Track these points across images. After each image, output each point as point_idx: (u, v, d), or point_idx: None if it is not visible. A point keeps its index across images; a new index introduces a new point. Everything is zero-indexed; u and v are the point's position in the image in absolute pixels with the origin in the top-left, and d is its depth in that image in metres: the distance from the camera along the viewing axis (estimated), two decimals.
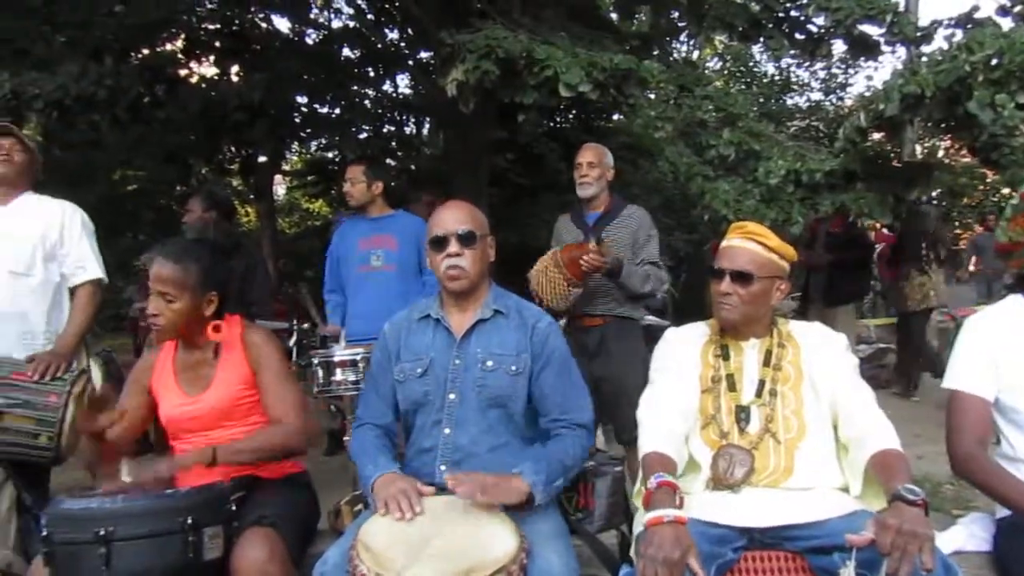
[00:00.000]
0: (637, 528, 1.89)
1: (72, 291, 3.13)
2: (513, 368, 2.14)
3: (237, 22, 8.09)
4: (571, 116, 12.34)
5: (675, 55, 9.55)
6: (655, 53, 7.97)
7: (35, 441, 2.64)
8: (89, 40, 6.82)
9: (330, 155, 14.12)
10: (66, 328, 3.02)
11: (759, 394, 2.08)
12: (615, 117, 12.09)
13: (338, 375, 3.33)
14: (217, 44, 8.42)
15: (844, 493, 1.95)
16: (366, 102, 10.42)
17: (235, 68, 9.06)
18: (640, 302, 3.71)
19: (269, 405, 2.30)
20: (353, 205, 4.13)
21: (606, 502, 2.35)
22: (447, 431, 2.14)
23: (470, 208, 2.24)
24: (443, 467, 2.12)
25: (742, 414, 2.06)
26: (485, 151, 8.09)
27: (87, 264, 3.12)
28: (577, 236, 3.69)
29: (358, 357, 3.33)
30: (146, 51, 7.61)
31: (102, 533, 1.80)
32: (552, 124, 12.57)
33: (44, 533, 1.87)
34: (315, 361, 3.38)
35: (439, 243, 2.15)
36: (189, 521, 1.87)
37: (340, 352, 3.44)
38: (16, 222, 3.06)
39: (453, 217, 2.18)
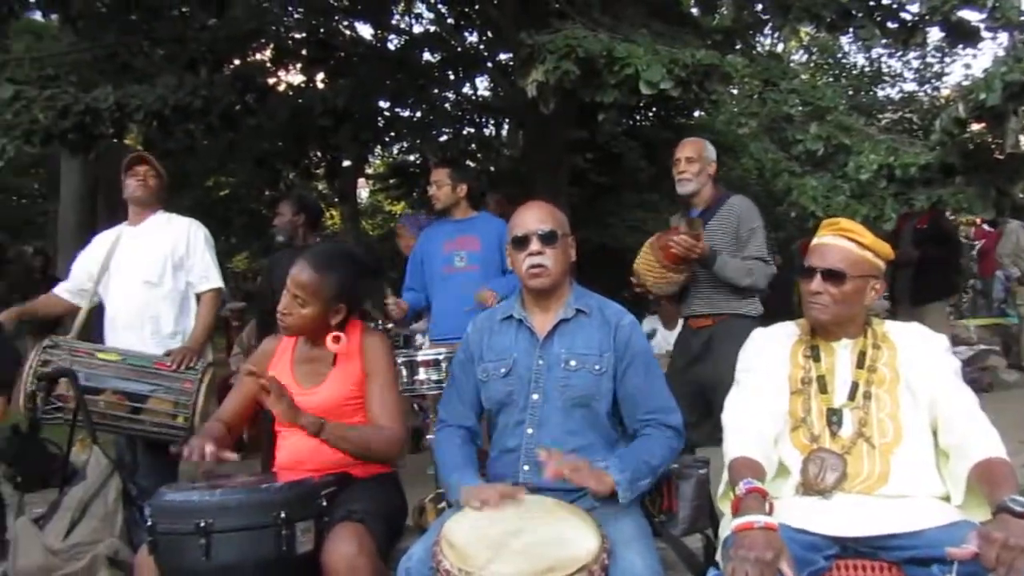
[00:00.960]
0: (724, 532, 1.85)
1: (197, 297, 3.54)
2: (597, 367, 2.13)
3: (322, 31, 8.32)
4: (651, 114, 12.20)
5: (759, 49, 9.31)
6: (738, 48, 7.79)
7: (173, 421, 3.03)
8: (185, 53, 7.14)
9: (411, 158, 14.37)
10: (195, 327, 3.44)
11: (852, 397, 2.00)
12: (696, 114, 11.88)
13: (421, 374, 3.40)
14: (304, 52, 8.67)
15: (944, 502, 1.86)
16: (446, 105, 10.56)
17: (320, 75, 9.32)
18: (754, 296, 3.50)
19: (374, 409, 2.34)
20: (439, 208, 4.19)
21: (691, 505, 2.31)
22: (530, 431, 2.15)
23: (551, 207, 2.24)
24: (526, 467, 2.14)
25: (834, 417, 1.99)
26: (564, 151, 8.08)
27: (209, 275, 3.54)
28: None
29: (441, 356, 3.38)
30: (237, 61, 7.92)
31: (202, 525, 1.87)
32: (632, 122, 12.44)
33: (148, 523, 1.96)
34: (399, 360, 3.45)
35: (521, 242, 2.16)
36: (282, 515, 1.93)
37: (423, 352, 3.51)
38: (149, 238, 3.51)
39: (534, 216, 2.18)
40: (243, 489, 2.04)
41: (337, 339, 2.34)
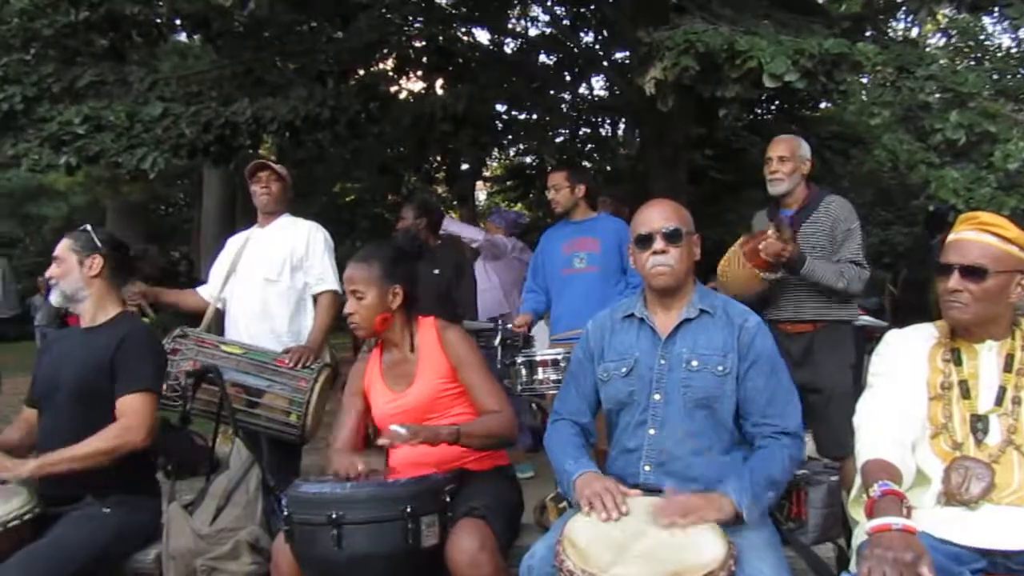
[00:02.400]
0: (858, 539, 1.77)
1: (314, 298, 3.63)
2: (720, 368, 2.08)
3: (442, 38, 8.52)
4: (774, 107, 11.77)
5: (892, 34, 8.80)
6: (868, 34, 7.40)
7: (287, 419, 3.09)
8: (314, 66, 7.49)
9: (528, 160, 14.49)
10: (314, 327, 3.53)
11: (999, 402, 1.87)
12: (823, 105, 11.37)
13: (540, 374, 3.43)
14: (424, 60, 8.91)
15: None
16: (562, 106, 10.58)
17: (440, 82, 9.55)
18: (853, 301, 3.41)
19: (479, 398, 2.42)
20: (558, 211, 4.22)
21: (821, 512, 2.23)
22: (651, 432, 2.13)
23: (675, 206, 2.21)
24: (647, 468, 2.12)
25: (979, 424, 1.87)
26: (683, 148, 7.91)
27: (326, 277, 3.62)
28: None
29: (560, 356, 3.40)
30: (361, 72, 8.23)
31: (334, 516, 1.97)
32: (754, 117, 12.05)
33: (285, 513, 2.08)
34: (519, 360, 3.50)
35: (644, 241, 2.14)
36: (408, 509, 2.00)
37: (542, 351, 3.53)
38: (272, 239, 3.66)
39: (659, 215, 2.16)
40: (372, 483, 2.13)
41: (385, 320, 2.44)
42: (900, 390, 1.95)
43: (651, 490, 2.03)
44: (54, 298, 2.73)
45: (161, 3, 6.25)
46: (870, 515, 1.66)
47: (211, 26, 6.94)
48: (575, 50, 9.85)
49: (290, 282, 3.59)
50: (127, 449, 2.46)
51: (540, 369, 3.39)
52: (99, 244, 2.68)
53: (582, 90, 11.55)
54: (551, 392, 3.53)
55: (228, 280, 3.70)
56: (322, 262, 3.64)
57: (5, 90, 6.12)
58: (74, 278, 2.65)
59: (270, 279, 3.57)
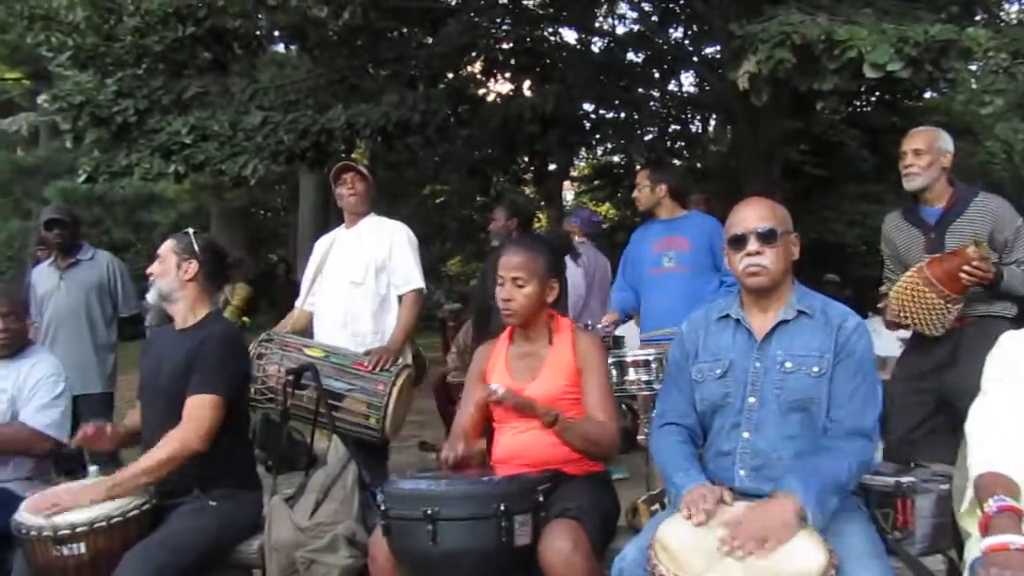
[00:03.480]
0: (971, 554, 1.68)
1: (399, 298, 3.61)
2: (816, 370, 2.01)
3: (529, 40, 8.56)
4: (874, 98, 11.30)
5: (1005, 18, 8.30)
6: (979, 19, 7.02)
7: (366, 422, 3.10)
8: (405, 71, 7.66)
9: (616, 159, 14.38)
10: (396, 327, 3.50)
11: None
12: (927, 95, 10.84)
13: (631, 375, 3.38)
14: (512, 62, 8.97)
15: None
16: (651, 103, 10.45)
17: (528, 82, 9.59)
18: (1008, 296, 3.09)
19: (591, 406, 2.40)
20: (641, 210, 4.18)
21: (930, 523, 2.13)
22: (746, 435, 2.07)
23: (771, 204, 2.14)
24: (742, 472, 2.06)
25: None
26: (777, 143, 7.70)
27: (411, 276, 3.60)
28: (913, 237, 3.21)
29: (651, 357, 3.35)
30: (451, 75, 8.36)
31: (429, 512, 1.99)
32: (852, 109, 11.60)
33: (382, 508, 2.12)
34: (608, 361, 3.46)
35: (738, 241, 2.09)
36: (502, 508, 2.00)
37: (633, 352, 3.49)
38: (358, 241, 3.65)
39: (753, 214, 2.10)
40: (466, 480, 2.16)
41: (541, 312, 2.46)
42: (1018, 396, 1.84)
43: (746, 494, 1.98)
44: (151, 294, 2.83)
45: (261, 16, 6.52)
46: (984, 532, 1.57)
47: (307, 37, 7.20)
48: (664, 46, 9.73)
49: (374, 284, 3.59)
50: (186, 454, 2.49)
51: (631, 370, 3.35)
52: (197, 250, 2.77)
53: (671, 87, 11.39)
54: (642, 393, 3.49)
55: (315, 281, 3.77)
56: (407, 262, 3.63)
57: (120, 104, 6.51)
58: (171, 279, 2.75)
59: (355, 282, 3.59)
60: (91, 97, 6.47)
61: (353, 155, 8.28)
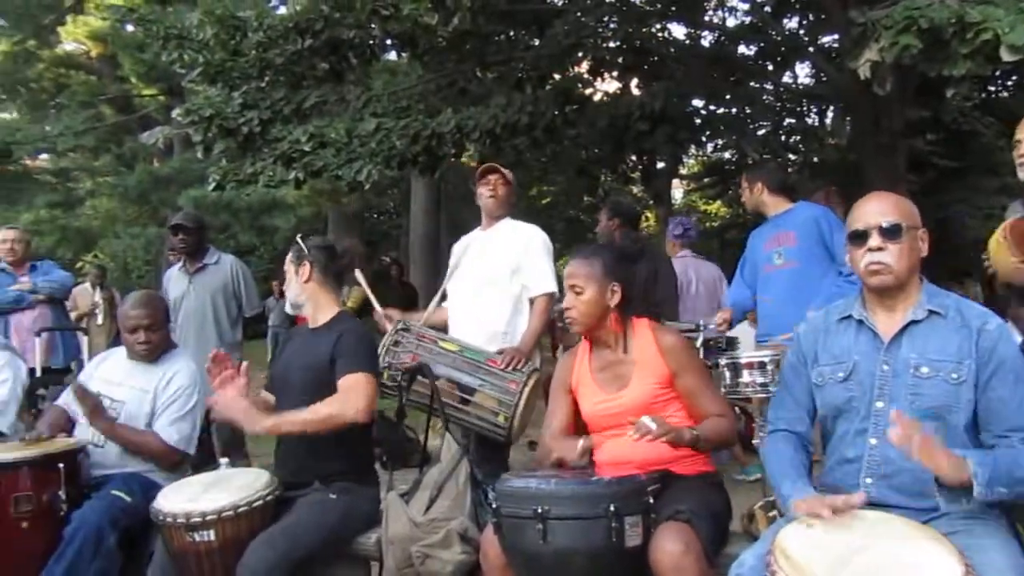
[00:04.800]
0: None
1: (531, 301, 3.64)
2: (954, 376, 1.89)
3: (637, 40, 8.46)
4: (1011, 83, 10.54)
5: None
6: None
7: (495, 419, 3.14)
8: (512, 74, 7.72)
9: (726, 155, 14.03)
10: (527, 330, 3.53)
11: None
12: None
13: (745, 376, 3.29)
14: (619, 60, 8.89)
15: None
16: (764, 97, 10.13)
17: (635, 80, 9.49)
18: None
19: (701, 403, 2.38)
20: (750, 211, 4.11)
21: None
22: (873, 441, 1.98)
23: (896, 199, 2.04)
24: (868, 479, 1.97)
25: None
26: (901, 134, 7.29)
27: (543, 280, 3.60)
28: None
29: (766, 359, 3.25)
30: (558, 76, 8.36)
31: (539, 511, 2.01)
32: (986, 95, 10.86)
33: (493, 506, 2.16)
34: (722, 362, 3.38)
35: (859, 237, 1.99)
36: (612, 508, 2.00)
37: (747, 353, 3.40)
38: (494, 243, 3.70)
39: (876, 209, 2.00)
40: (575, 480, 2.16)
41: (604, 317, 2.45)
42: None
43: (872, 504, 1.89)
44: (288, 306, 3.03)
45: (374, 26, 6.72)
46: None
47: (418, 43, 7.36)
48: (777, 38, 9.40)
49: (508, 286, 3.61)
50: (346, 419, 2.58)
51: (745, 372, 3.25)
52: (306, 252, 2.92)
53: (785, 79, 11.00)
54: (757, 396, 3.39)
55: (451, 280, 3.83)
56: (540, 265, 3.64)
57: (245, 115, 6.87)
58: (294, 286, 2.92)
59: (490, 282, 3.63)
60: (219, 110, 6.85)
61: (462, 158, 8.44)
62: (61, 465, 2.81)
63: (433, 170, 7.44)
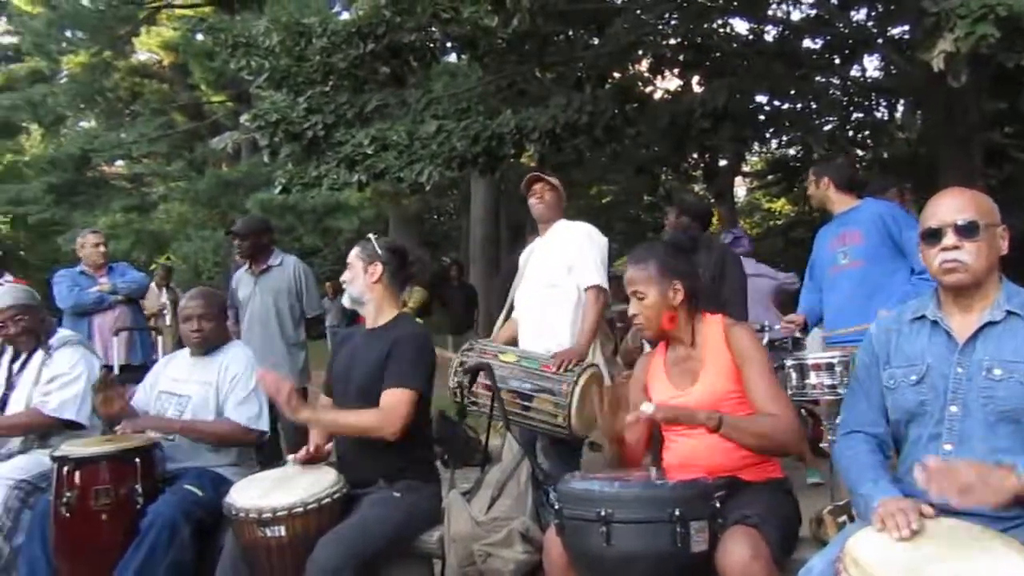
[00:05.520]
0: None
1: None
2: None
3: (699, 38, 8.35)
4: None
5: None
6: None
7: (555, 420, 3.15)
8: (572, 73, 7.72)
9: (791, 152, 13.73)
10: (580, 327, 3.52)
11: None
12: None
13: (812, 378, 3.22)
14: (680, 57, 8.79)
15: None
16: (831, 91, 9.88)
17: (696, 78, 9.36)
18: None
19: (758, 400, 2.30)
20: (816, 208, 4.01)
21: None
22: (948, 447, 1.90)
23: (972, 195, 1.95)
24: None
25: None
26: (977, 127, 7.03)
27: (593, 272, 3.57)
28: None
29: (835, 360, 3.17)
30: (617, 75, 8.32)
31: (602, 513, 1.98)
32: None
33: (556, 507, 2.15)
34: (788, 363, 3.32)
35: (933, 235, 1.92)
36: (677, 513, 1.96)
37: (814, 354, 3.32)
38: (551, 246, 3.72)
39: (950, 206, 1.93)
40: (639, 483, 2.13)
41: (672, 319, 2.41)
42: None
43: (947, 511, 1.82)
44: (345, 299, 3.04)
45: (434, 29, 6.79)
46: None
47: (478, 45, 7.42)
48: (844, 30, 9.15)
49: (567, 286, 3.61)
50: (377, 435, 2.65)
51: (813, 373, 3.19)
52: (380, 252, 2.94)
53: (853, 72, 10.70)
54: (825, 398, 3.32)
55: (518, 288, 3.86)
56: (588, 259, 3.62)
57: (310, 119, 7.03)
58: (359, 283, 2.94)
59: (549, 284, 3.64)
60: (285, 115, 7.02)
61: (522, 159, 8.45)
62: (137, 460, 2.91)
63: (493, 170, 7.48)
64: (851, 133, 11.29)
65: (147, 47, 18.80)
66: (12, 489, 3.04)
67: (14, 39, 19.57)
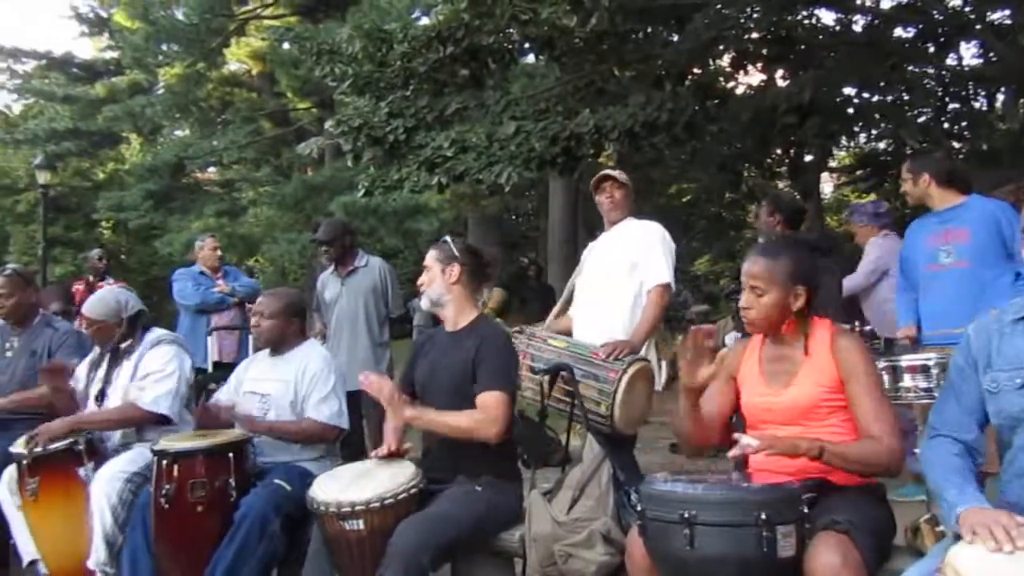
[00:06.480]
0: None
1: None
2: None
3: (784, 31, 8.12)
4: None
5: None
6: None
7: (597, 408, 3.10)
8: (651, 71, 7.62)
9: (882, 145, 13.22)
10: (639, 321, 3.48)
11: None
12: None
13: (907, 381, 3.10)
14: (763, 51, 8.57)
15: None
16: (925, 81, 9.46)
17: (780, 72, 9.11)
18: None
19: (862, 418, 2.20)
20: (912, 204, 3.86)
21: None
22: None
23: None
24: None
25: None
26: None
27: (659, 271, 3.55)
28: None
29: (930, 362, 3.04)
30: (698, 71, 8.17)
31: (686, 515, 1.95)
32: None
33: (638, 508, 2.13)
34: (880, 365, 3.19)
35: None
36: (763, 517, 1.92)
37: (908, 356, 3.19)
38: (615, 242, 3.72)
39: None
40: (723, 486, 2.10)
41: (786, 323, 2.31)
42: None
43: None
44: (423, 302, 3.07)
45: (512, 30, 6.82)
46: None
47: (556, 45, 7.41)
48: (939, 17, 8.74)
49: (627, 281, 3.59)
50: (480, 437, 2.69)
51: (907, 376, 3.06)
52: (457, 254, 2.97)
53: (948, 61, 10.21)
54: (920, 402, 3.18)
55: (576, 283, 3.86)
56: (655, 257, 3.58)
57: (391, 124, 7.16)
58: (438, 285, 2.97)
59: (609, 279, 3.63)
60: (367, 119, 7.18)
61: (600, 159, 8.40)
62: (231, 455, 3.03)
63: (572, 171, 7.47)
64: (946, 125, 10.79)
65: (237, 57, 19.55)
66: (126, 482, 3.20)
67: (115, 54, 20.66)
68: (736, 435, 2.19)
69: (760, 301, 2.33)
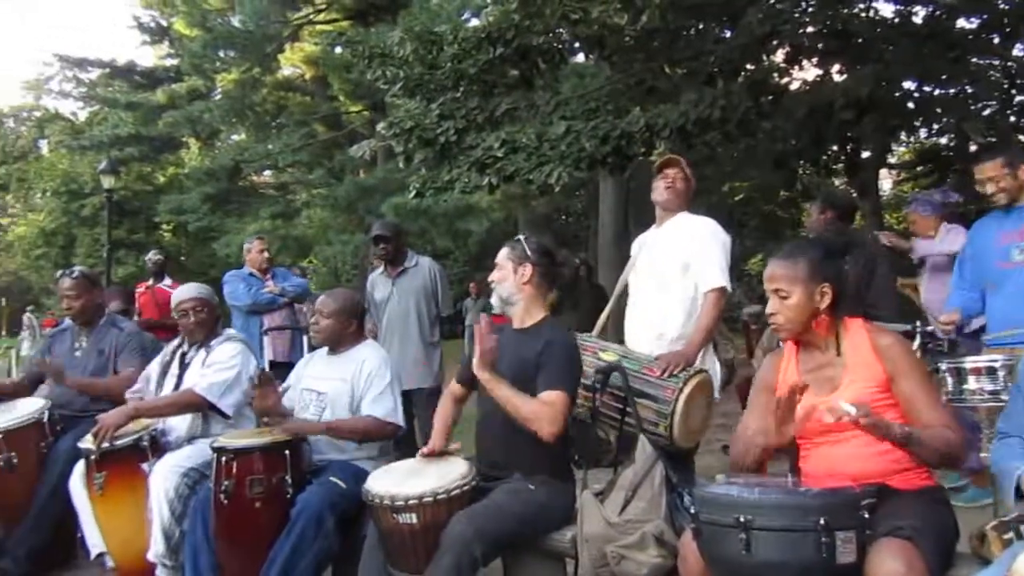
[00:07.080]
0: None
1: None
2: None
3: (840, 24, 7.92)
4: None
5: None
6: None
7: (656, 429, 3.05)
8: (703, 68, 7.51)
9: (943, 140, 12.83)
10: (694, 329, 3.34)
11: None
12: None
13: (971, 383, 3.00)
14: (819, 46, 8.38)
15: None
16: (990, 74, 9.14)
17: (836, 66, 8.90)
18: None
19: (922, 412, 2.17)
20: (1005, 203, 3.63)
21: None
22: None
23: None
24: None
25: None
26: None
27: (714, 274, 3.39)
28: None
29: (997, 364, 2.94)
30: (751, 67, 8.03)
31: (742, 520, 1.92)
32: None
33: (692, 511, 2.11)
34: (943, 367, 3.10)
35: None
36: (822, 522, 1.88)
37: (972, 358, 3.09)
38: (666, 240, 3.56)
39: None
40: (780, 490, 2.06)
41: (816, 322, 2.29)
42: None
43: None
44: (494, 299, 3.06)
45: (562, 30, 6.81)
46: None
47: (606, 44, 7.38)
48: (1005, 6, 8.44)
49: (681, 285, 3.44)
50: (536, 427, 2.67)
51: (971, 378, 2.96)
52: (530, 254, 2.97)
53: (1016, 51, 9.85)
54: (985, 405, 3.07)
55: (627, 281, 3.75)
56: (710, 258, 3.41)
57: (442, 125, 7.21)
58: (509, 284, 2.98)
59: (661, 283, 3.49)
60: (418, 121, 7.24)
61: (652, 157, 8.32)
62: (287, 452, 3.10)
63: (623, 170, 7.43)
64: (1013, 118, 10.41)
65: (291, 62, 19.96)
66: (182, 476, 3.29)
67: (175, 61, 21.27)
68: (834, 399, 2.18)
69: (786, 304, 2.30)
